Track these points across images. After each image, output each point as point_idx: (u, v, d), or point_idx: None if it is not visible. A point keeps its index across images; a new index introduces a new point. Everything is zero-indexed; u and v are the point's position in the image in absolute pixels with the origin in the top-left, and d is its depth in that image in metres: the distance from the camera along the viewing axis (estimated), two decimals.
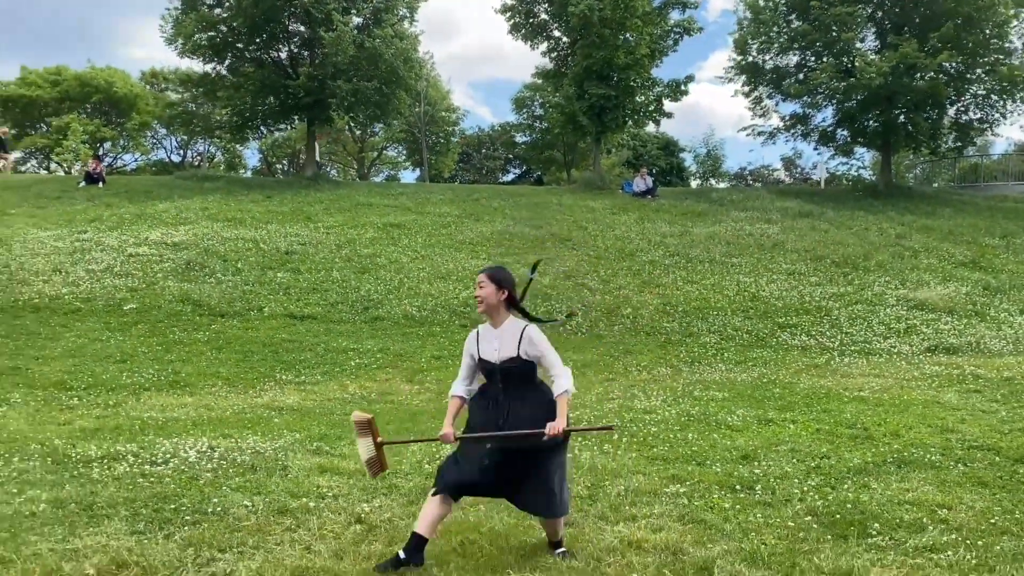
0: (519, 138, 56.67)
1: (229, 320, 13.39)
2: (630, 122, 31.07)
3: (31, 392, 9.74)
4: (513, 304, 4.35)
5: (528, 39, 30.89)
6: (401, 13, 28.06)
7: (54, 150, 53.56)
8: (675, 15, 29.97)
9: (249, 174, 50.63)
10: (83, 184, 25.45)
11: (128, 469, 6.22)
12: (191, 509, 5.09)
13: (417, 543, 4.01)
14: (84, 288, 14.55)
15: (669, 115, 30.80)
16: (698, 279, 15.98)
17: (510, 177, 64.09)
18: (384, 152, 59.32)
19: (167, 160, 59.02)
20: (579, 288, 15.25)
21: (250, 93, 26.91)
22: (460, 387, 4.43)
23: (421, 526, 4.03)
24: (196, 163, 58.24)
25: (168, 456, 6.55)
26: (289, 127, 31.44)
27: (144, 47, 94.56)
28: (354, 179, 49.35)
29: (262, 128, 30.34)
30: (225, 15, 26.82)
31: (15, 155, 53.17)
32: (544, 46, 30.94)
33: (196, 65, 31.30)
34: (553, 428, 3.96)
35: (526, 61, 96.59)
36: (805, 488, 5.47)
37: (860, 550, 4.32)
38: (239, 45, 27.82)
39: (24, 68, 54.64)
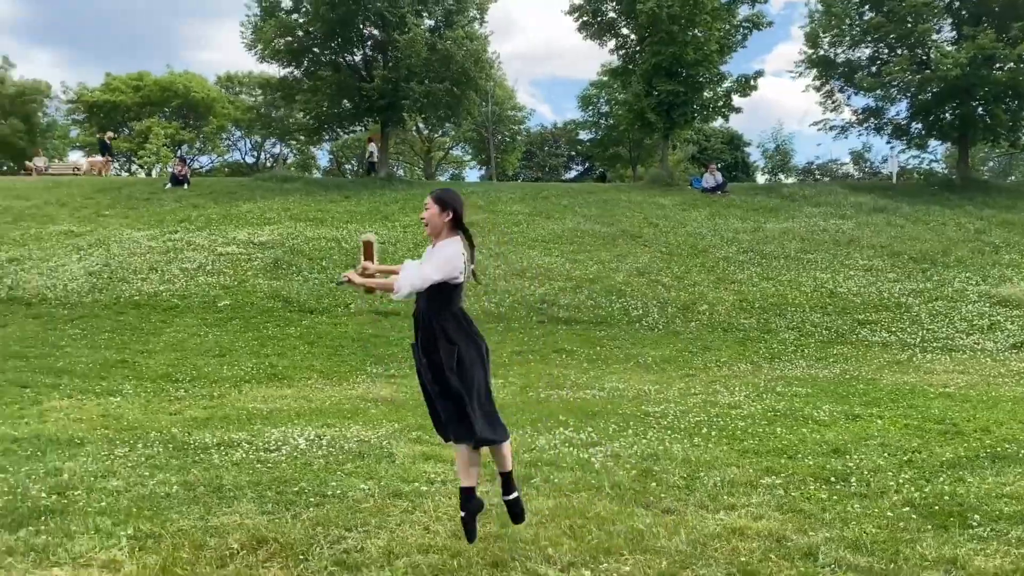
0: (583, 135, 56.67)
1: (318, 316, 13.86)
2: (698, 118, 30.90)
3: (140, 384, 10.29)
4: (458, 225, 4.22)
5: (596, 38, 30.91)
6: (471, 14, 28.37)
7: (136, 153, 55.60)
8: (744, 10, 29.68)
9: (319, 174, 51.79)
10: (169, 186, 26.38)
11: (244, 455, 6.60)
12: (312, 492, 5.42)
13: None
14: (179, 286, 15.19)
15: (738, 110, 30.51)
16: (774, 275, 15.92)
17: (572, 174, 64.12)
18: (450, 152, 59.93)
19: (241, 161, 60.76)
20: (653, 284, 15.34)
21: (327, 96, 27.57)
22: None
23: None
24: (269, 164, 59.81)
25: (279, 443, 6.92)
26: (363, 128, 32.02)
27: (214, 51, 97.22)
28: (421, 178, 49.99)
29: (337, 130, 31.00)
30: (302, 20, 27.52)
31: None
32: (612, 44, 30.96)
33: (272, 69, 32.22)
34: (347, 275, 4.18)
35: (584, 58, 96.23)
36: (900, 480, 5.53)
37: (962, 539, 4.40)
38: (315, 49, 28.50)
39: (108, 75, 56.61)
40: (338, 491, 5.43)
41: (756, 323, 13.42)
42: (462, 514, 4.19)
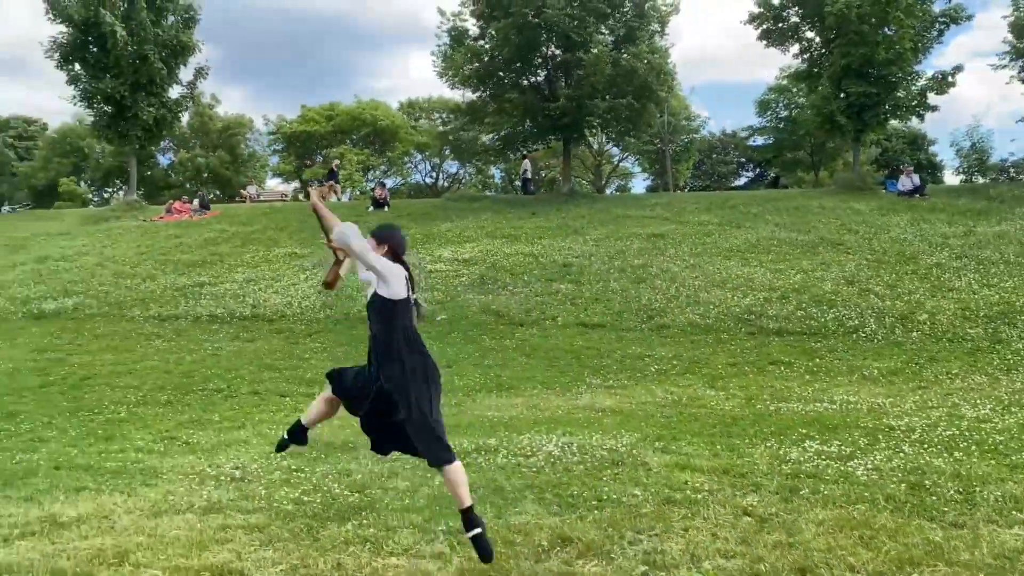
0: (754, 141, 55.12)
1: (528, 328, 14.37)
2: (891, 119, 29.50)
3: None
4: (396, 259, 4.51)
5: (777, 44, 30.21)
6: (653, 28, 28.45)
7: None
8: (939, 4, 28.10)
9: (492, 192, 53.31)
10: (372, 209, 27.97)
11: (506, 460, 7.04)
12: (589, 496, 5.73)
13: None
14: None
15: (934, 108, 28.88)
16: (995, 282, 14.99)
17: (742, 181, 62.48)
18: (620, 164, 59.99)
19: (421, 182, 63.54)
20: (864, 294, 14.82)
21: (513, 117, 28.41)
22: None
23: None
24: (446, 184, 62.33)
25: (534, 450, 7.31)
26: (544, 146, 32.75)
27: (382, 79, 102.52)
28: (591, 191, 50.39)
29: (521, 149, 31.86)
30: (488, 46, 28.54)
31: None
32: (795, 48, 30.15)
33: (452, 94, 33.54)
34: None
35: (744, 64, 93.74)
36: None
37: None
38: (500, 73, 29.45)
39: (304, 106, 60.58)
40: (612, 496, 5.71)
41: (983, 333, 12.70)
42: (477, 531, 4.26)
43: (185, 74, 30.75)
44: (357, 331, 14.72)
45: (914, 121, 33.16)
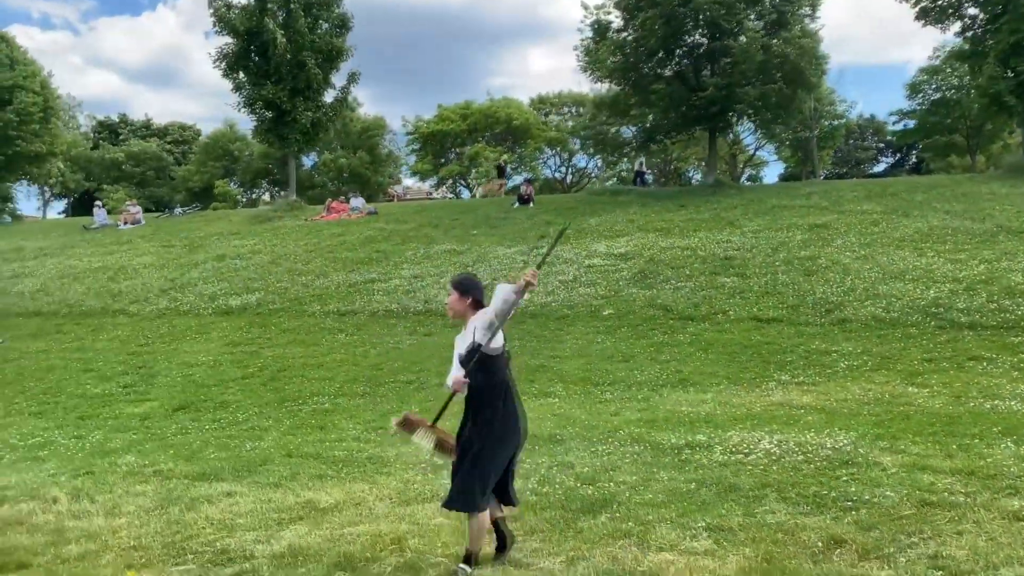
0: (901, 125, 52.36)
1: (698, 323, 14.15)
2: None
3: (566, 386, 11.16)
4: (478, 308, 4.53)
5: (936, 23, 28.57)
6: (804, 11, 27.46)
7: (467, 176, 60.54)
8: None
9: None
10: (517, 205, 28.22)
11: (725, 457, 6.94)
12: (835, 497, 5.57)
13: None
14: (562, 296, 16.26)
15: None
16: None
17: (881, 167, 59.49)
18: (756, 153, 58.31)
19: (551, 177, 63.77)
20: None
21: (660, 109, 28.04)
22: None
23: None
24: (574, 179, 62.42)
25: (750, 447, 7.18)
26: (689, 137, 32.18)
27: (500, 76, 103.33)
28: (727, 181, 49.15)
29: (664, 140, 31.43)
30: (631, 37, 28.25)
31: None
32: (956, 27, 28.44)
33: (582, 87, 33.38)
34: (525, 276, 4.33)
35: (879, 45, 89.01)
36: None
37: None
38: (643, 64, 29.09)
39: (440, 106, 61.87)
40: (862, 496, 5.53)
41: None
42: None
43: (338, 78, 31.96)
44: (526, 325, 14.91)
45: None
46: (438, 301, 16.71)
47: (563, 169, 65.54)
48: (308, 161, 63.09)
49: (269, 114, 30.57)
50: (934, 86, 45.75)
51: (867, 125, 61.15)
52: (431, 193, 49.49)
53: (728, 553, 4.59)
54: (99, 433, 9.40)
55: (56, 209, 64.65)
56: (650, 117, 29.79)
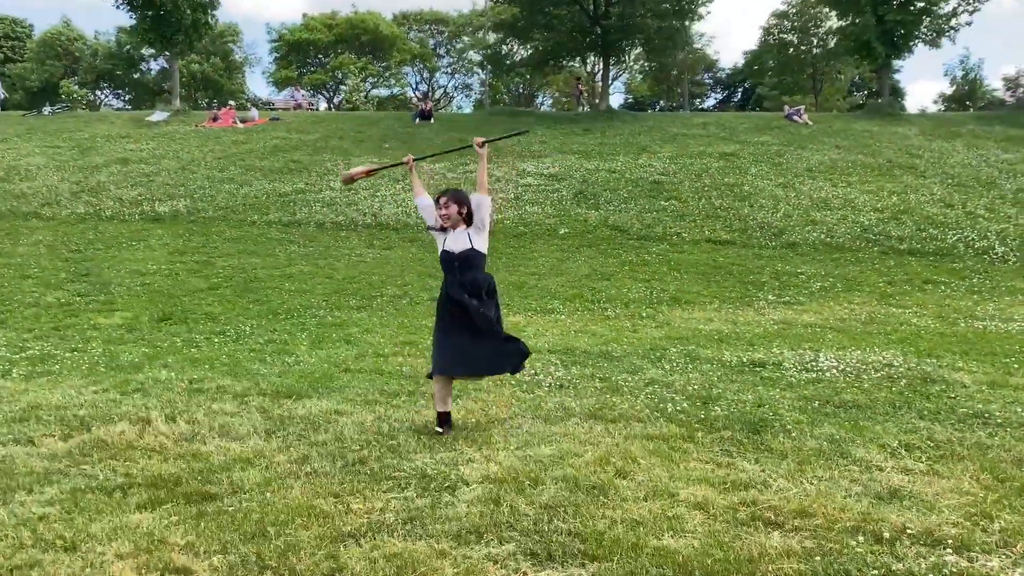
0: (724, 64, 54.30)
1: (657, 244, 14.13)
2: (923, 43, 29.24)
3: (563, 303, 10.83)
4: (468, 220, 5.08)
5: None
6: None
7: (330, 86, 57.78)
8: None
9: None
10: (418, 121, 27.08)
11: (804, 375, 6.84)
12: (969, 413, 5.59)
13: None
14: (511, 214, 15.76)
15: (960, 28, 28.72)
16: None
17: (711, 102, 61.42)
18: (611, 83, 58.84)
19: (403, 96, 62.01)
20: (971, 216, 14.81)
21: (562, 34, 27.47)
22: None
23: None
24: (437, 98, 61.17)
25: (812, 365, 7.14)
26: (582, 62, 31.88)
27: None
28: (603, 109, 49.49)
29: (559, 64, 30.96)
30: None
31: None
32: None
33: (445, 7, 32.29)
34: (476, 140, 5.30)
35: None
36: None
37: None
38: None
39: (305, 15, 58.37)
40: (993, 413, 5.59)
41: None
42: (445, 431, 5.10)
43: None
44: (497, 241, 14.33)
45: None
46: (386, 215, 15.80)
47: (423, 86, 63.98)
48: (155, 66, 57.86)
49: (149, 13, 27.44)
50: (783, 28, 47.68)
51: (705, 61, 62.87)
52: (300, 105, 46.56)
53: (951, 469, 4.47)
54: (95, 345, 8.19)
55: None
56: (556, 42, 29.16)
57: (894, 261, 12.82)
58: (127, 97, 60.25)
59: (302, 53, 59.69)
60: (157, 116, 26.36)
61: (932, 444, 4.96)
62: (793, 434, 5.14)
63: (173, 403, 5.88)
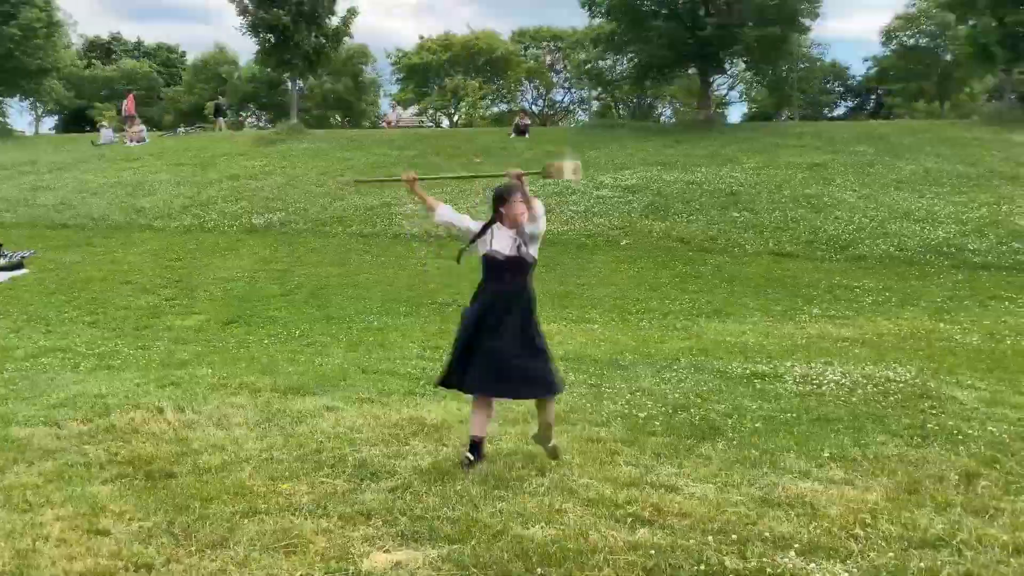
0: (856, 70, 52.05)
1: (717, 256, 14.05)
2: None
3: (601, 313, 11.02)
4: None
5: None
6: None
7: (451, 105, 59.48)
8: None
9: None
10: (513, 135, 27.65)
11: (801, 388, 6.83)
12: (936, 431, 5.48)
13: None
14: (579, 226, 16.03)
15: None
16: None
17: (841, 111, 59.04)
18: (728, 93, 57.74)
19: (529, 110, 62.89)
20: None
21: (658, 46, 27.41)
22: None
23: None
24: (551, 113, 61.79)
25: (818, 378, 7.09)
26: (684, 75, 31.64)
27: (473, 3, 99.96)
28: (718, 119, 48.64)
29: (658, 77, 30.84)
30: None
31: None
32: None
33: (560, 22, 32.56)
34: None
35: None
36: None
37: None
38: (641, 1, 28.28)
39: (421, 37, 60.45)
40: (965, 431, 5.47)
41: None
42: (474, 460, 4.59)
43: (341, 6, 30.73)
44: (548, 251, 14.66)
45: None
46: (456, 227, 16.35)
47: (540, 102, 64.85)
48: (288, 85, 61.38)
49: (271, 39, 29.37)
50: (908, 33, 45.37)
51: (828, 70, 60.57)
52: (422, 121, 48.66)
53: (868, 482, 4.49)
54: (161, 344, 9.08)
55: (47, 125, 62.27)
56: (655, 54, 29.07)
57: (963, 276, 12.23)
58: (266, 117, 64.28)
59: (420, 74, 61.66)
60: (104, 138, 27.90)
61: (872, 458, 4.95)
62: (735, 443, 5.25)
63: (194, 396, 6.54)
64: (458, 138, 27.43)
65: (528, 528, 3.76)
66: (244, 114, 64.16)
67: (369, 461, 4.79)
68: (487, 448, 4.83)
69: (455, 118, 59.13)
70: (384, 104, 63.95)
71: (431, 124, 57.53)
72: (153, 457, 4.84)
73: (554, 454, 4.75)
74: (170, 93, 61.63)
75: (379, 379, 7.24)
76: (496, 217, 4.73)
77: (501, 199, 4.69)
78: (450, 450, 5.02)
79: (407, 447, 5.11)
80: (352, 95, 59.56)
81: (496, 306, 4.66)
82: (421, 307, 11.34)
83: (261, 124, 62.38)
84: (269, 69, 33.27)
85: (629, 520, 3.86)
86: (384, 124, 40.72)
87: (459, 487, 4.31)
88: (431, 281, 12.73)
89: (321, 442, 5.23)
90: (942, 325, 9.87)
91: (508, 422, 5.71)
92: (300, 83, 60.62)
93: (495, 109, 61.91)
